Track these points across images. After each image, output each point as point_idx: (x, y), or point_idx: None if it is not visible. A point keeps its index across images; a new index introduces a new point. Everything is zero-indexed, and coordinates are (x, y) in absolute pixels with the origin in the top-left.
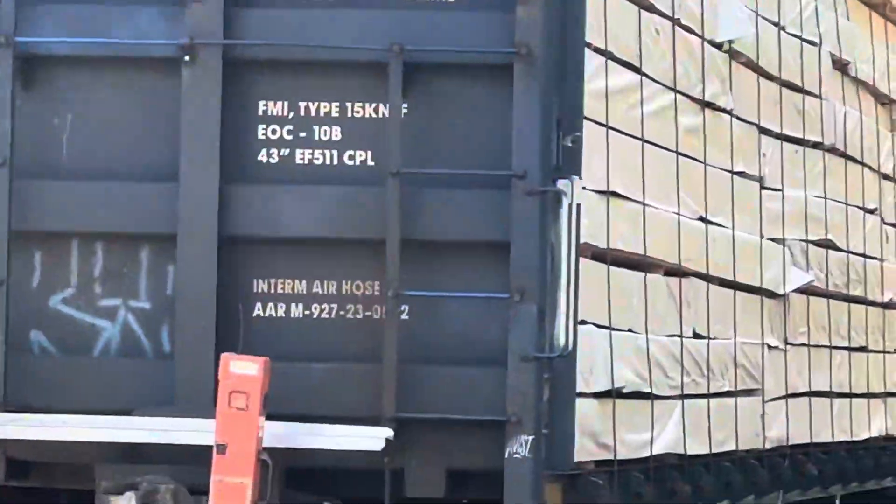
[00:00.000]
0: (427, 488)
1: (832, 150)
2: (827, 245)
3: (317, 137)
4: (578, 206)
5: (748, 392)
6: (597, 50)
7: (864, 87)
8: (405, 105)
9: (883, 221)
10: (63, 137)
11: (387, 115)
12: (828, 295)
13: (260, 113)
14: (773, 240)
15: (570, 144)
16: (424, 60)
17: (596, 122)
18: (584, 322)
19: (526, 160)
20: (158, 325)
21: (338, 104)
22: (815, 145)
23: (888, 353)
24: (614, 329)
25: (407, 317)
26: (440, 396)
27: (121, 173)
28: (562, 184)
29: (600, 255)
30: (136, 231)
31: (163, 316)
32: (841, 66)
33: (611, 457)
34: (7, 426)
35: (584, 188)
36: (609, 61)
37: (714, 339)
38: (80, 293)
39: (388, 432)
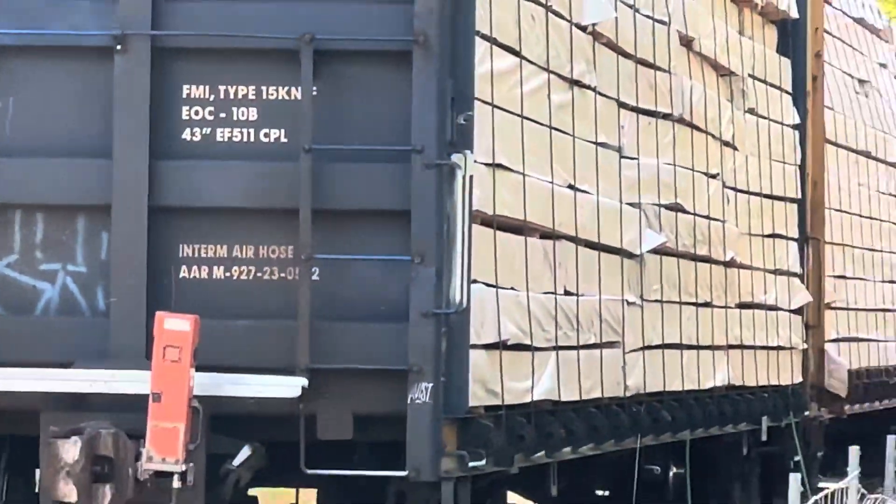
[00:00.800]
0: (337, 431)
1: (680, 120)
2: (676, 209)
3: (235, 117)
4: (471, 177)
5: (611, 344)
6: (484, 37)
7: (707, 62)
8: (315, 87)
9: (724, 186)
10: (6, 119)
11: (299, 97)
12: (677, 255)
13: (184, 95)
14: (630, 204)
15: (462, 122)
16: (333, 48)
17: (484, 102)
18: (475, 281)
19: (424, 136)
20: (94, 286)
21: (254, 87)
22: (665, 116)
23: (729, 308)
24: (500, 287)
25: (318, 278)
26: (349, 349)
27: (59, 150)
28: (456, 158)
29: (488, 221)
30: (74, 202)
31: (98, 278)
32: (686, 42)
33: (498, 402)
34: None
35: (475, 161)
36: (494, 46)
37: (582, 295)
38: (23, 258)
39: (303, 381)
